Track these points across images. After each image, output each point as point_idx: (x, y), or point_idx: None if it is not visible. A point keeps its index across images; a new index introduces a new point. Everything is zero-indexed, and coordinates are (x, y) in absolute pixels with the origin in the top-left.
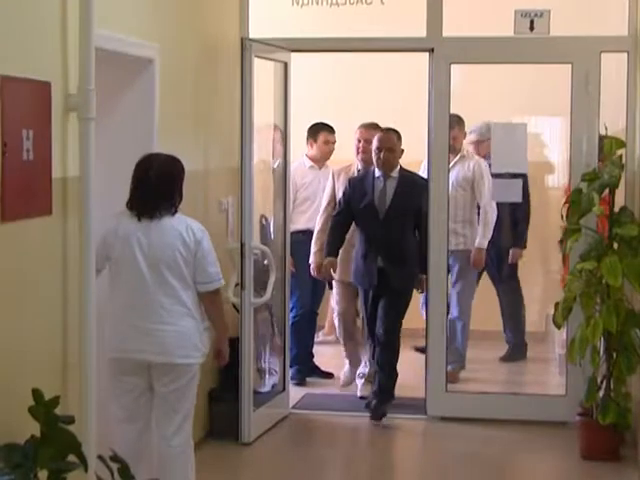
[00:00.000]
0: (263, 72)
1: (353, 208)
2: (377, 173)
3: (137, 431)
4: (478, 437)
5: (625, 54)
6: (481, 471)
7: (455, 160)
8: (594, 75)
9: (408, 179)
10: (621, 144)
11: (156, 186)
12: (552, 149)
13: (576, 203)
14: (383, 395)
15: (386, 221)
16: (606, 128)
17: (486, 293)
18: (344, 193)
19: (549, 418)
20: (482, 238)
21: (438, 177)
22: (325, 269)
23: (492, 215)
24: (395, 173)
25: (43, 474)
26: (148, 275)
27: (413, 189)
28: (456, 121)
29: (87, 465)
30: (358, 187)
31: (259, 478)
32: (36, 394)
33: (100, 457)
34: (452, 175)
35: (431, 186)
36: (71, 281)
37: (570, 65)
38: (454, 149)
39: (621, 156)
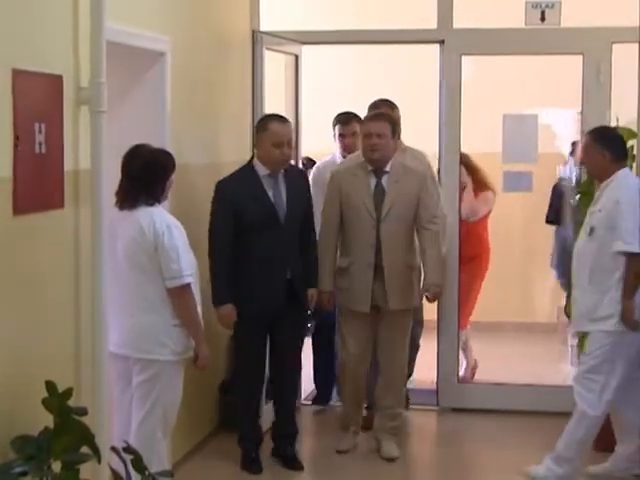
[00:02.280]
0: (275, 64)
1: (243, 217)
2: (262, 171)
3: (125, 428)
4: (489, 428)
5: (637, 45)
6: (493, 462)
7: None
8: (605, 66)
9: (293, 173)
10: (633, 135)
11: (138, 176)
12: (563, 140)
13: (587, 194)
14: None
15: (287, 225)
16: (617, 119)
17: (488, 284)
18: (221, 201)
19: (561, 409)
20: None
21: (449, 173)
22: (227, 321)
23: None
24: None
25: (57, 465)
26: (115, 266)
27: (301, 184)
28: (391, 105)
29: (100, 456)
30: (244, 190)
31: (270, 470)
32: (49, 386)
33: (113, 448)
34: None
35: (443, 184)
36: (83, 273)
37: (581, 56)
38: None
39: (632, 147)
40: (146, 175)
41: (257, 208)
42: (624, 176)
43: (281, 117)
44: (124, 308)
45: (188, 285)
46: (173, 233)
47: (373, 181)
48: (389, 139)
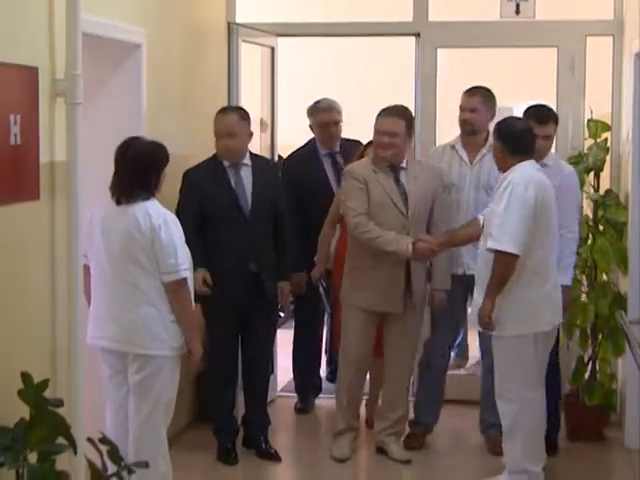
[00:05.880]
0: (251, 56)
1: (208, 207)
2: (225, 162)
3: (118, 422)
4: (463, 418)
5: (610, 37)
6: (465, 452)
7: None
8: (580, 59)
9: (261, 165)
10: (606, 127)
11: (132, 168)
12: None
13: None
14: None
15: (252, 218)
16: (591, 111)
17: None
18: (188, 190)
19: None
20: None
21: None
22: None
23: None
24: (247, 159)
25: (33, 456)
26: (108, 260)
27: (269, 175)
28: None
29: (76, 447)
30: (209, 180)
31: (246, 462)
32: (25, 377)
33: (89, 439)
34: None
35: None
36: (59, 265)
37: (556, 49)
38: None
39: (606, 139)
40: (141, 168)
41: (220, 199)
42: (520, 169)
43: (229, 108)
44: (120, 303)
45: (184, 280)
46: (170, 227)
47: (391, 178)
48: (404, 136)
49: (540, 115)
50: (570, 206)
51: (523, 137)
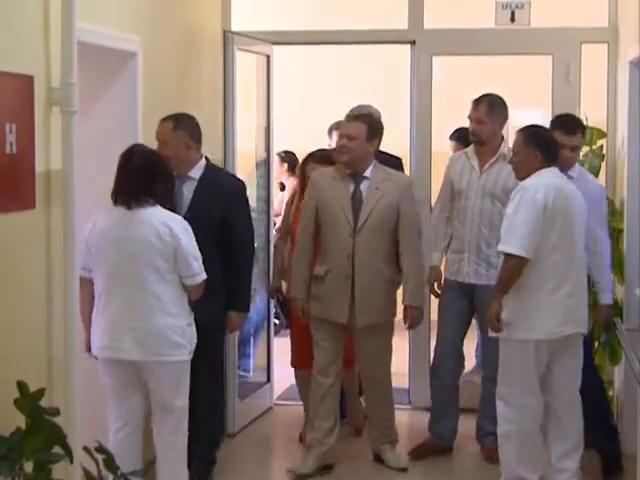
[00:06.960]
0: (247, 65)
1: None
2: (175, 173)
3: (127, 432)
4: (460, 426)
5: (605, 45)
6: (464, 461)
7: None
8: (575, 66)
9: (210, 179)
10: (602, 134)
11: (141, 173)
12: None
13: None
14: (206, 462)
15: None
16: (587, 118)
17: None
18: None
19: None
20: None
21: (419, 173)
22: None
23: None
24: (194, 173)
25: (29, 465)
26: (121, 268)
27: (214, 192)
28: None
29: (72, 456)
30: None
31: (244, 468)
32: (21, 386)
33: (85, 448)
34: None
35: (415, 184)
36: (55, 274)
37: (551, 56)
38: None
39: (602, 146)
40: (149, 173)
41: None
42: (537, 175)
43: (169, 115)
44: (134, 312)
45: (205, 279)
46: (188, 232)
47: (351, 187)
48: (363, 142)
49: (568, 125)
50: (600, 220)
51: (556, 145)
